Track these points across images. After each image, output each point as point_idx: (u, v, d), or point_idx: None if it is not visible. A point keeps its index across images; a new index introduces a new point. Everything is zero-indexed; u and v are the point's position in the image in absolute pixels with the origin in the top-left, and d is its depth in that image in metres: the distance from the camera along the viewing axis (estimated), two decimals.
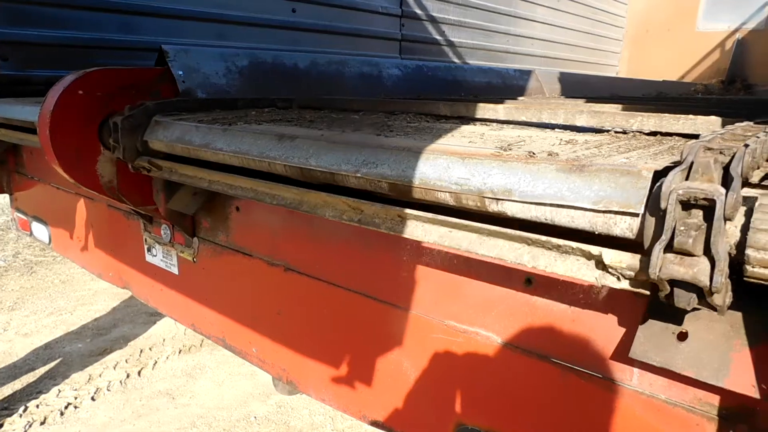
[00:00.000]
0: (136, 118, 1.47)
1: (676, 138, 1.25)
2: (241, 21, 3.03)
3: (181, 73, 1.74)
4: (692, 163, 0.72)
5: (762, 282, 0.69)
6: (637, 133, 1.32)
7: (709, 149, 0.77)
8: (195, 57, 1.81)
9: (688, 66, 6.82)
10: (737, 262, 0.70)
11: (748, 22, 6.46)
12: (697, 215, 0.69)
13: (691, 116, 1.31)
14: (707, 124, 1.26)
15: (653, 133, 1.31)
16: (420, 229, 0.99)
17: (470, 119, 1.66)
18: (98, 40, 2.59)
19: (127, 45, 2.68)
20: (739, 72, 6.45)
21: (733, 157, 0.72)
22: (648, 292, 0.77)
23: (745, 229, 0.69)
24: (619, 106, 1.88)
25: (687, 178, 0.71)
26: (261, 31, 3.14)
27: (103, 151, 1.58)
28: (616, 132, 1.35)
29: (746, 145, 0.79)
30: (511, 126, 1.53)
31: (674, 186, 0.69)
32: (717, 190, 0.66)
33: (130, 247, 2.04)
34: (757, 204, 0.69)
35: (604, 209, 0.80)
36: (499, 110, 1.65)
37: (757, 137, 0.89)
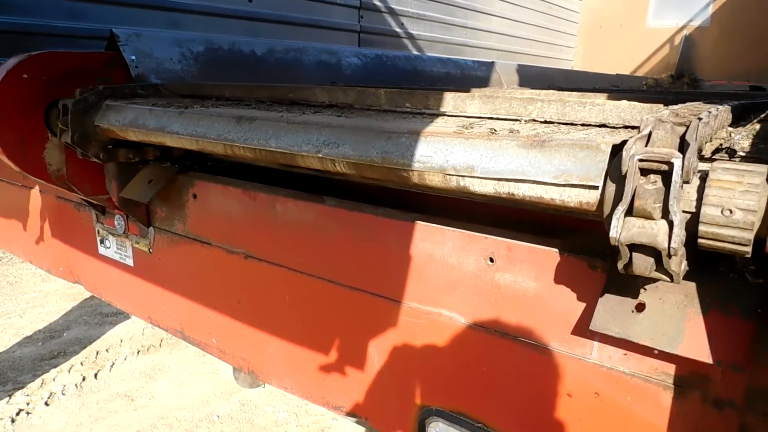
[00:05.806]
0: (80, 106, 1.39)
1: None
2: (196, 10, 2.95)
3: (133, 57, 1.68)
4: (650, 133, 0.74)
5: (714, 247, 0.71)
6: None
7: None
8: (148, 41, 1.74)
9: (640, 60, 7.06)
10: (691, 232, 0.72)
11: (695, 20, 6.74)
12: (656, 180, 0.71)
13: (598, 101, 1.13)
14: (617, 111, 1.10)
15: (550, 122, 1.13)
16: None
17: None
18: (44, 26, 2.47)
19: (75, 33, 2.57)
20: (686, 67, 6.71)
21: (688, 126, 0.74)
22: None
23: (699, 197, 0.72)
24: (576, 94, 1.91)
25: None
26: (217, 21, 3.07)
27: (50, 137, 1.51)
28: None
29: (699, 119, 0.82)
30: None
31: (634, 151, 0.71)
32: (674, 154, 0.68)
33: (82, 240, 1.95)
34: (709, 175, 0.72)
35: (564, 183, 0.81)
36: (380, 95, 1.41)
37: (710, 112, 0.92)
